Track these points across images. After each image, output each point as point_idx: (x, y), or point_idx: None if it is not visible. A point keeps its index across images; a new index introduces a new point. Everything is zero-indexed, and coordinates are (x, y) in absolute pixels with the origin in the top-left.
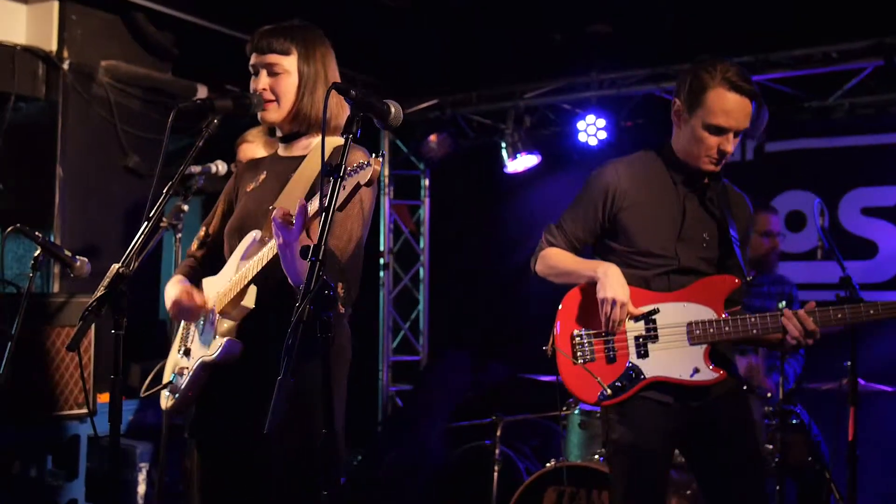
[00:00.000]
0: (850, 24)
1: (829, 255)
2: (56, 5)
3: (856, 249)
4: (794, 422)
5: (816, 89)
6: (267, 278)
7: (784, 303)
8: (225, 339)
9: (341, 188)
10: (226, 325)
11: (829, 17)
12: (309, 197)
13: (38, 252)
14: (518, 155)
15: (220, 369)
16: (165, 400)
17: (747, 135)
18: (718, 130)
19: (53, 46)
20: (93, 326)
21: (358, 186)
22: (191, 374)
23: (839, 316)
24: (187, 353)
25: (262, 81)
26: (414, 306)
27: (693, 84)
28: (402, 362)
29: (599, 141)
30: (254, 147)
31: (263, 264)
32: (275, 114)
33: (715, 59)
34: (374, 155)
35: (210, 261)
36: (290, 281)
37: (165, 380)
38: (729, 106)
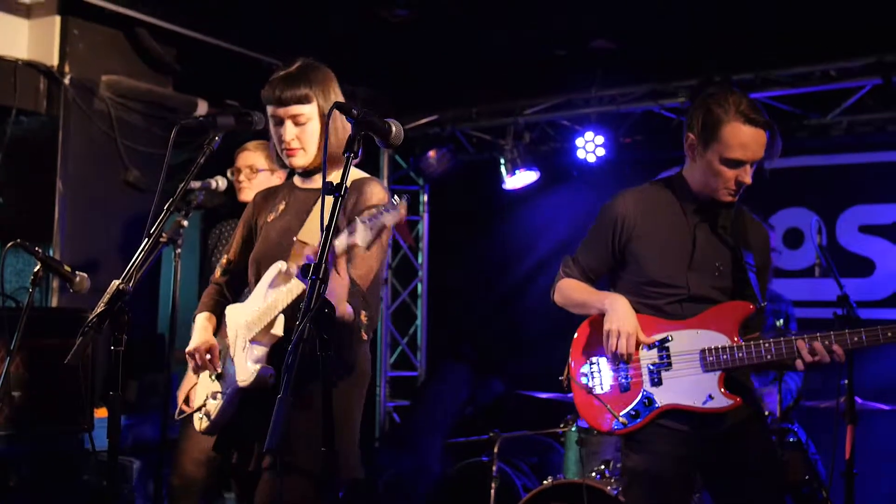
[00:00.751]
0: (849, 42)
1: (826, 272)
2: (58, 20)
3: (853, 267)
4: (791, 440)
5: (815, 107)
6: (294, 309)
7: (781, 321)
8: (258, 365)
9: (368, 229)
10: (257, 351)
11: (828, 36)
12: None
13: (37, 267)
14: (517, 171)
15: (252, 393)
16: (199, 422)
17: (762, 162)
18: (736, 164)
19: (55, 61)
20: (92, 341)
21: (384, 228)
22: (225, 398)
23: (855, 339)
24: (220, 377)
25: (289, 133)
26: (412, 321)
27: (706, 119)
28: (400, 378)
29: (598, 157)
30: (254, 155)
31: (293, 298)
32: (303, 160)
33: (724, 91)
34: (402, 198)
35: (233, 286)
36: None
37: (198, 402)
38: (745, 139)
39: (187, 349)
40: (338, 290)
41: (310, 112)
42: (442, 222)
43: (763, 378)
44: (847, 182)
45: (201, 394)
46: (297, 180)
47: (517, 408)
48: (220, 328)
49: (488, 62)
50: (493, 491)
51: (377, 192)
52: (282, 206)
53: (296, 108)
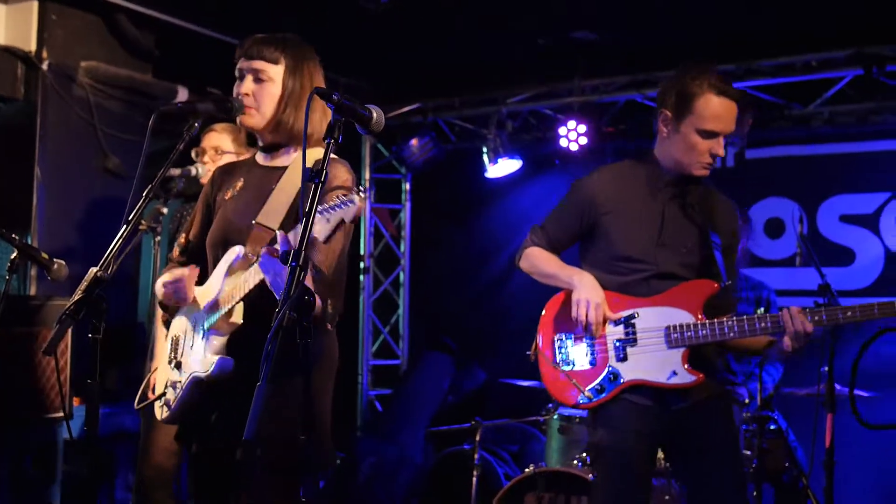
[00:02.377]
0: (831, 33)
1: (807, 261)
2: (35, 5)
3: (834, 256)
4: (771, 427)
5: (796, 97)
6: (258, 297)
7: (763, 308)
8: (217, 356)
9: (325, 221)
10: (216, 341)
11: (809, 27)
12: (291, 215)
13: (14, 254)
14: (499, 160)
15: (211, 384)
16: (160, 411)
17: (732, 138)
18: (710, 135)
19: (33, 47)
20: (70, 329)
21: (342, 223)
22: (183, 388)
23: (848, 314)
24: (178, 366)
25: (246, 86)
26: (394, 310)
27: (680, 93)
28: (381, 366)
29: (580, 146)
30: (220, 136)
31: (250, 288)
32: (254, 119)
33: (697, 67)
34: (359, 190)
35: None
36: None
37: (158, 390)
38: (719, 111)
39: (162, 281)
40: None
41: (273, 73)
42: (424, 211)
43: (744, 367)
44: (828, 172)
45: (161, 381)
46: (259, 157)
47: (499, 396)
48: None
49: (471, 51)
50: (474, 479)
51: (341, 173)
52: (240, 184)
53: (260, 64)
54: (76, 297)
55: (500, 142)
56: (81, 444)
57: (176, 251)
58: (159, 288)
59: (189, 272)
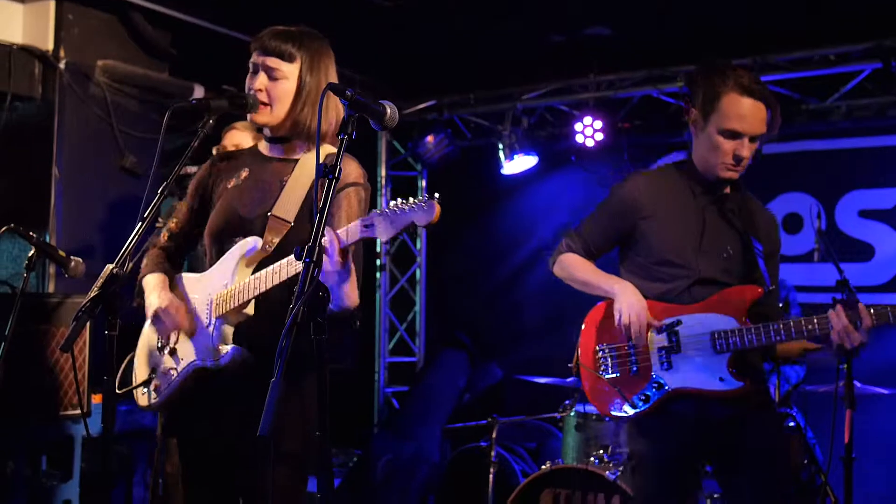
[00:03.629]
0: (849, 27)
1: (825, 257)
2: (52, 4)
3: (853, 251)
4: (790, 424)
5: (814, 92)
6: (278, 289)
7: (780, 305)
8: (230, 346)
9: (389, 223)
10: (226, 330)
11: (827, 20)
12: (305, 208)
13: (32, 252)
14: (515, 156)
15: (213, 374)
16: (145, 398)
17: (761, 140)
18: (733, 135)
19: (50, 46)
20: (87, 326)
21: (411, 226)
22: (180, 375)
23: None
24: (174, 353)
25: (259, 82)
26: (410, 307)
27: (707, 91)
28: (398, 363)
29: (596, 142)
30: (241, 135)
31: (281, 279)
32: (266, 117)
33: (725, 64)
34: (436, 196)
35: (180, 253)
36: (331, 305)
37: (141, 377)
38: (743, 111)
39: (156, 306)
40: (352, 279)
41: (287, 71)
42: (440, 207)
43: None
44: (846, 166)
45: (143, 368)
46: (261, 146)
47: (515, 393)
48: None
49: (486, 47)
50: (491, 476)
51: (352, 169)
52: (244, 174)
53: (274, 61)
54: (92, 294)
55: (516, 138)
56: (98, 441)
57: (164, 236)
58: (150, 303)
59: (179, 305)
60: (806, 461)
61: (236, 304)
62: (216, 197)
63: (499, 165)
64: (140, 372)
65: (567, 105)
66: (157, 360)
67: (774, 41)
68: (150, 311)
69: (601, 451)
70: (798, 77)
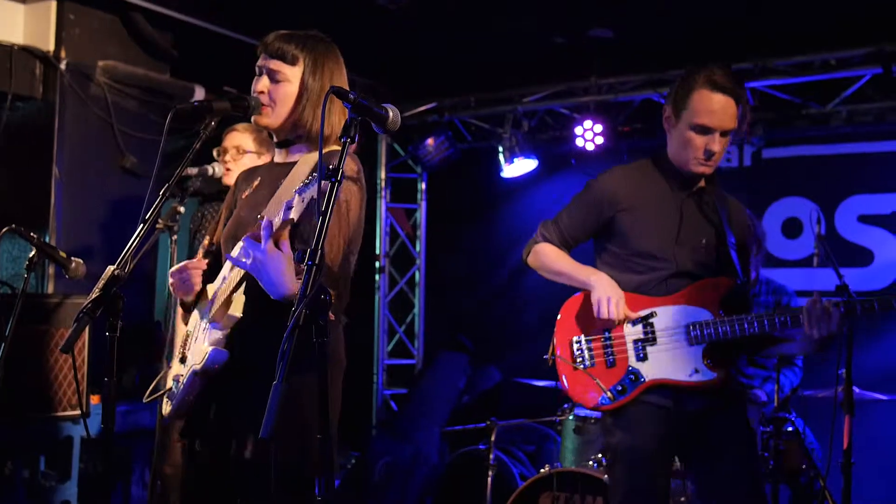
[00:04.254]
0: (849, 31)
1: (825, 262)
2: (54, 5)
3: (852, 257)
4: (788, 429)
5: (815, 96)
6: (252, 288)
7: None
8: (211, 348)
9: (302, 200)
10: (216, 334)
11: (828, 25)
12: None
13: (32, 253)
14: (515, 159)
15: (212, 376)
16: (166, 406)
17: (735, 136)
18: (703, 130)
19: (51, 46)
20: (88, 327)
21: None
22: (184, 381)
23: (866, 306)
24: (183, 360)
25: (262, 84)
26: (409, 310)
27: (679, 88)
28: (397, 366)
29: (597, 146)
30: (241, 136)
31: (241, 276)
32: (268, 119)
33: (702, 64)
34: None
35: (215, 269)
36: (271, 296)
37: (168, 385)
38: (712, 106)
39: (170, 271)
40: (272, 265)
41: (290, 74)
42: (440, 210)
43: (760, 371)
44: (846, 171)
45: (170, 376)
46: (276, 156)
47: (514, 396)
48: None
49: (487, 50)
50: (489, 479)
51: (348, 164)
52: (257, 182)
53: (277, 63)
54: (93, 295)
55: (516, 141)
56: (97, 441)
57: (200, 254)
58: (170, 280)
59: (195, 262)
60: (804, 466)
61: (219, 307)
62: (235, 208)
63: (499, 168)
64: (168, 381)
65: (567, 108)
66: (177, 369)
67: (775, 45)
68: (170, 285)
69: (600, 455)
70: (798, 81)
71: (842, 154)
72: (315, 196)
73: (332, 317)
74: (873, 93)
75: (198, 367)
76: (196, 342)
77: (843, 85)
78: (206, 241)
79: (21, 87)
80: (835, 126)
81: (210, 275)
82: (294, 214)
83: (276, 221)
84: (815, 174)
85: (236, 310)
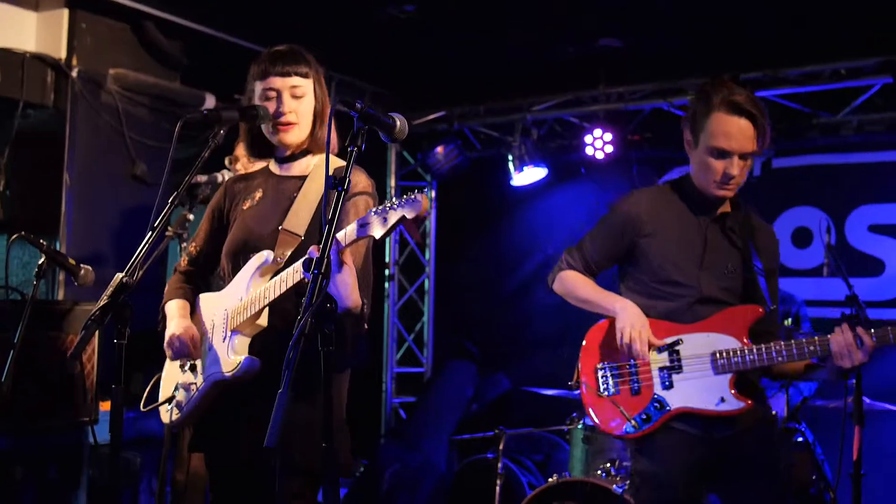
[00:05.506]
0: (860, 41)
1: (835, 272)
2: (66, 13)
3: (863, 266)
4: (798, 440)
5: (825, 106)
6: (284, 299)
7: (789, 321)
8: (243, 356)
9: (382, 220)
10: (239, 342)
11: (838, 35)
12: (315, 221)
13: (42, 260)
14: (525, 167)
15: (236, 385)
16: (167, 414)
17: (753, 157)
18: (721, 154)
19: (63, 54)
20: (97, 334)
21: (402, 220)
22: (200, 390)
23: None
24: (193, 368)
25: (288, 104)
26: (419, 318)
27: (696, 112)
28: (406, 374)
29: (606, 155)
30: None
31: (288, 287)
32: (296, 136)
33: (717, 83)
34: (425, 191)
35: (201, 276)
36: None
37: (165, 394)
38: (729, 129)
39: (167, 335)
40: (349, 280)
41: (307, 87)
42: (449, 219)
43: (773, 383)
44: (857, 181)
45: (169, 384)
46: (272, 167)
47: (523, 404)
48: (192, 317)
49: (496, 59)
50: (498, 488)
51: (361, 179)
52: (258, 194)
53: (297, 80)
54: (101, 302)
55: (526, 150)
56: (106, 448)
57: (184, 260)
58: (169, 330)
59: (194, 334)
60: (815, 477)
61: (249, 316)
62: (232, 219)
63: (508, 177)
64: (165, 389)
65: (577, 117)
66: (180, 377)
67: (786, 55)
68: (166, 338)
69: (608, 465)
70: (809, 91)
71: (852, 164)
72: (406, 216)
73: (366, 326)
74: (884, 102)
75: (227, 374)
76: (210, 351)
77: (853, 94)
78: (191, 248)
79: (33, 95)
80: (845, 135)
81: (199, 280)
82: (375, 233)
83: (345, 238)
84: (825, 184)
85: (263, 320)
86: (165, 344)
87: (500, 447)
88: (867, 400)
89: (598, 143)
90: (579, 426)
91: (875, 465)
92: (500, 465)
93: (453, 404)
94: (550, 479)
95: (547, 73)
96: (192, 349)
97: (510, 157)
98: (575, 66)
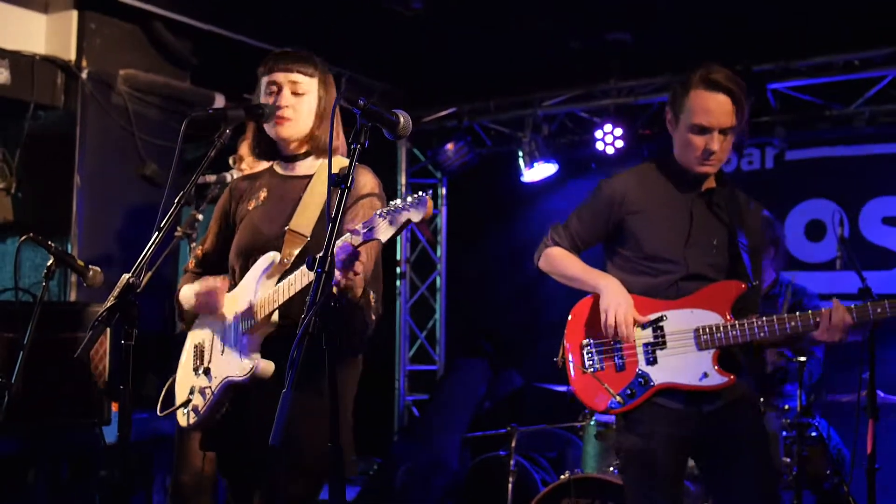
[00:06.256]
0: (871, 32)
1: (848, 264)
2: (75, 14)
3: (876, 259)
4: (812, 434)
5: (837, 97)
6: (296, 300)
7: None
8: (257, 359)
9: (388, 223)
10: (251, 344)
11: (850, 26)
12: (322, 221)
13: (51, 261)
14: (535, 163)
15: (243, 388)
16: (185, 418)
17: (736, 135)
18: (701, 130)
19: (72, 55)
20: (109, 335)
21: (408, 223)
22: (214, 393)
23: (878, 311)
24: (207, 372)
25: (286, 99)
26: (430, 315)
27: (677, 91)
28: (418, 371)
29: (617, 149)
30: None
31: (297, 290)
32: (291, 130)
33: (701, 65)
34: (426, 193)
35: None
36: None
37: (181, 398)
38: (707, 105)
39: (191, 294)
40: (364, 274)
41: (309, 86)
42: (460, 215)
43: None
44: (870, 173)
45: (184, 388)
46: (277, 167)
47: (536, 401)
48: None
49: (506, 54)
50: (510, 485)
51: (368, 180)
52: (263, 194)
53: (298, 76)
54: (108, 303)
55: (536, 145)
56: (117, 449)
57: (192, 262)
58: (189, 298)
59: (221, 283)
60: (829, 472)
61: (260, 318)
62: (238, 219)
63: (519, 173)
64: (180, 393)
65: (587, 112)
66: (194, 381)
67: (797, 46)
68: (186, 301)
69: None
70: (821, 82)
71: (865, 155)
72: (413, 220)
73: (374, 317)
74: None
75: (241, 378)
76: (223, 354)
77: (865, 86)
78: (198, 251)
79: (43, 97)
80: (858, 127)
81: None
82: (382, 236)
83: (356, 242)
84: (838, 176)
85: (272, 321)
86: (193, 305)
87: (513, 444)
88: (881, 394)
89: (609, 139)
90: (592, 422)
91: (889, 459)
92: (512, 462)
93: (466, 401)
94: (563, 476)
95: (556, 68)
96: (219, 300)
97: (520, 153)
98: (585, 60)
